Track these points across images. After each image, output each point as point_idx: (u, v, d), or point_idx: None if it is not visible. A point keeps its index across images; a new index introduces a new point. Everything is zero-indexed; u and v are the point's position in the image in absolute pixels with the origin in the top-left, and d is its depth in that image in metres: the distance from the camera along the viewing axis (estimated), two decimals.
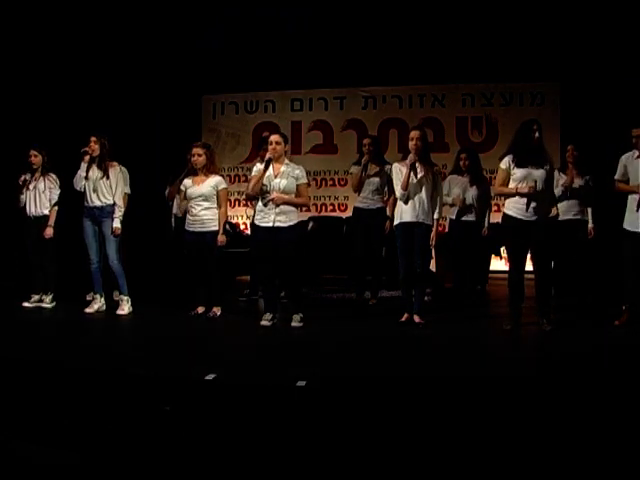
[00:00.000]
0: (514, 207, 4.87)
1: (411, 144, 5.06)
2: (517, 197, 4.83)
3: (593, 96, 8.45)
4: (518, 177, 4.82)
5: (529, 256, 5.01)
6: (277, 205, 4.96)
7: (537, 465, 2.41)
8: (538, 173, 4.79)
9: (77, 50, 9.02)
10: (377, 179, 6.09)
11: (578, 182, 5.85)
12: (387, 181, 5.95)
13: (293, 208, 5.07)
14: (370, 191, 6.10)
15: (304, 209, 5.96)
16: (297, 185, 5.05)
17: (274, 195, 4.95)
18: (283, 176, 5.00)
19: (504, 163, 4.89)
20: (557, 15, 8.52)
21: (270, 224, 4.98)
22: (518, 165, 4.82)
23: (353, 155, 6.44)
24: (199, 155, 5.47)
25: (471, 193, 6.19)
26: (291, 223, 5.03)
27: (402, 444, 2.59)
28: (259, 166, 5.17)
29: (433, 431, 2.75)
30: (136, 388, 3.38)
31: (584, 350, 4.38)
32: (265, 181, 5.00)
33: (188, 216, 5.53)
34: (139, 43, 9.42)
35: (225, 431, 2.74)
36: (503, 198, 5.18)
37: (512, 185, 4.85)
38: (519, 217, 4.83)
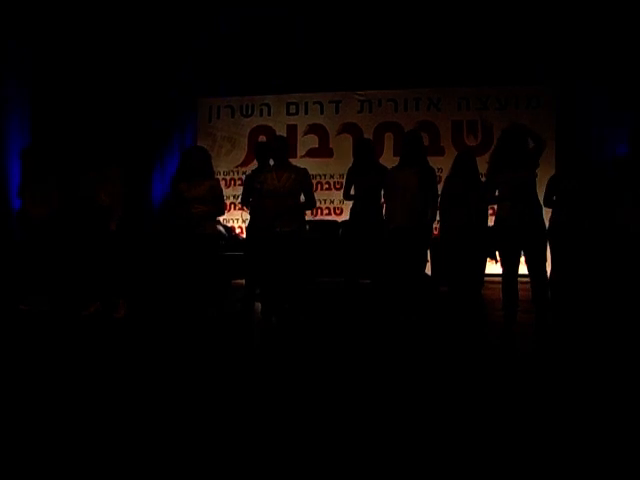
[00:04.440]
0: (500, 211, 5.02)
1: None
2: (503, 202, 4.97)
3: (588, 99, 8.50)
4: (500, 182, 4.95)
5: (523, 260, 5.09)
6: (281, 209, 4.97)
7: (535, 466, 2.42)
8: (517, 177, 4.87)
9: (75, 52, 9.05)
10: (372, 183, 6.07)
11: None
12: (382, 182, 5.92)
13: (297, 212, 5.08)
14: (366, 195, 6.08)
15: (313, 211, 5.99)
16: (302, 187, 5.06)
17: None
18: (287, 179, 5.00)
19: (488, 169, 5.04)
20: (553, 19, 8.59)
21: (276, 229, 5.00)
22: (497, 170, 4.95)
23: (349, 159, 6.44)
24: (201, 158, 5.49)
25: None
26: (295, 227, 5.03)
27: (401, 444, 2.59)
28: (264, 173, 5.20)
29: (429, 432, 2.76)
30: (132, 391, 3.38)
31: (582, 352, 4.40)
32: (270, 185, 5.00)
33: (183, 219, 5.52)
34: (136, 45, 9.45)
35: (224, 433, 2.74)
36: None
37: (495, 190, 5.00)
38: (506, 221, 4.94)
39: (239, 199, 6.76)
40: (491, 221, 6.32)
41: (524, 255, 5.04)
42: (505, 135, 5.05)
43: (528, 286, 5.10)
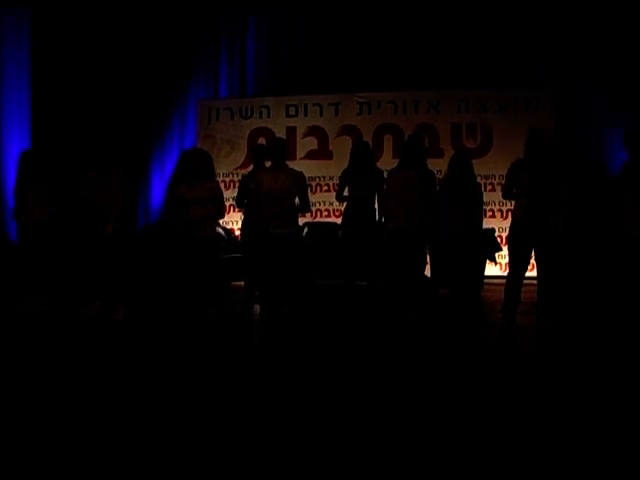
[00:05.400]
0: (518, 212, 4.97)
1: None
2: (522, 203, 4.93)
3: (588, 100, 8.51)
4: (522, 183, 4.92)
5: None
6: (278, 211, 4.98)
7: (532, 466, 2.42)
8: (534, 180, 4.85)
9: (74, 53, 9.06)
10: (369, 186, 6.02)
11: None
12: (378, 186, 5.88)
13: (293, 214, 5.08)
14: (362, 198, 6.04)
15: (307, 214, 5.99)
16: (298, 190, 5.06)
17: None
18: (284, 181, 5.01)
19: (510, 168, 5.01)
20: (551, 21, 8.60)
21: (270, 230, 5.00)
22: (522, 172, 4.93)
23: (348, 161, 6.43)
24: (202, 160, 5.49)
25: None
26: (291, 229, 5.04)
27: (400, 444, 2.59)
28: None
29: (428, 433, 2.76)
30: (131, 392, 3.37)
31: (581, 355, 4.40)
32: (266, 187, 5.01)
33: (183, 221, 5.51)
34: (136, 45, 9.46)
35: (224, 434, 2.74)
36: (510, 203, 5.27)
37: (516, 191, 4.97)
38: (519, 222, 4.92)
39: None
40: (488, 222, 6.35)
41: (534, 257, 5.01)
42: (525, 140, 5.04)
43: (527, 288, 5.08)
